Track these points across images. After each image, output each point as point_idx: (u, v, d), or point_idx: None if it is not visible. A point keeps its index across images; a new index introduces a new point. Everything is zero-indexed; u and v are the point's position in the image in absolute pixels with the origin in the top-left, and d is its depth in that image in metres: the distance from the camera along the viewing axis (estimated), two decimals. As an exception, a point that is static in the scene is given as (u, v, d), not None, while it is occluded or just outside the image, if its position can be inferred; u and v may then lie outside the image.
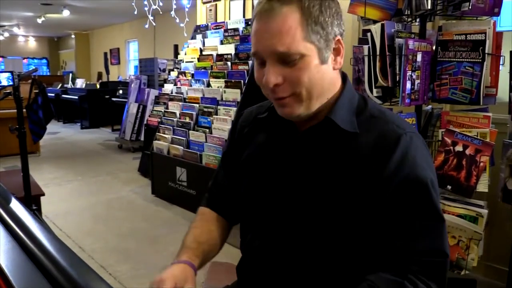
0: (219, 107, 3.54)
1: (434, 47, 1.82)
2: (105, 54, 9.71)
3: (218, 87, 3.67)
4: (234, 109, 3.40)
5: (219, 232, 1.01)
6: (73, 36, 13.43)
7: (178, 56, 4.75)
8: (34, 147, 5.62)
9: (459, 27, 1.73)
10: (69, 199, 4.02)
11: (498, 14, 1.73)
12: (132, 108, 6.20)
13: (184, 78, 4.12)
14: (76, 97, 8.67)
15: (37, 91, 2.77)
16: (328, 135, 0.85)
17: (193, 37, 4.35)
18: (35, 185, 2.87)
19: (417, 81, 1.77)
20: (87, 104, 8.60)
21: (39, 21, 9.75)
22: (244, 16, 4.12)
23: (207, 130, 3.56)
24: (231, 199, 1.04)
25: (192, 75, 4.03)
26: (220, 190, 1.07)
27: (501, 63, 1.70)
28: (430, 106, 1.98)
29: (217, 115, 3.53)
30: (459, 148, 1.71)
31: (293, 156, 0.89)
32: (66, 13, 8.65)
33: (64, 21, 10.28)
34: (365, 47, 1.83)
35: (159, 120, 4.17)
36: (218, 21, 4.42)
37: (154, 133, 4.13)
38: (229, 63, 3.68)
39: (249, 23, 3.71)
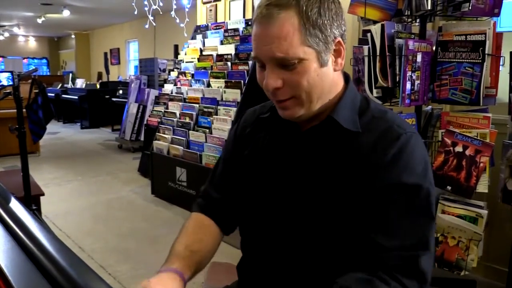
0: (219, 107, 3.54)
1: (434, 48, 1.82)
2: (105, 54, 9.71)
3: (218, 87, 3.67)
4: (234, 109, 3.40)
5: (212, 242, 0.96)
6: (73, 36, 13.43)
7: (178, 56, 4.75)
8: (34, 147, 5.61)
9: (459, 27, 1.73)
10: (69, 199, 4.01)
11: (498, 14, 1.73)
12: (132, 108, 6.20)
13: (184, 78, 4.12)
14: (76, 97, 8.67)
15: (37, 91, 2.77)
16: (331, 134, 0.85)
17: (193, 37, 4.35)
18: (35, 185, 2.87)
19: (417, 82, 1.77)
20: (87, 104, 8.60)
21: (39, 21, 9.76)
22: (244, 16, 4.12)
23: (207, 130, 3.56)
24: (227, 205, 1.00)
25: (192, 75, 4.03)
26: (216, 195, 1.02)
27: (501, 63, 1.70)
28: (430, 107, 1.98)
29: (217, 115, 3.53)
30: (459, 148, 1.71)
31: (295, 155, 0.89)
32: (66, 13, 8.65)
33: (64, 21, 10.28)
34: (365, 48, 1.84)
35: (159, 120, 4.17)
36: (218, 21, 4.42)
37: (154, 133, 4.13)
38: (229, 63, 3.68)
39: (249, 23, 3.71)
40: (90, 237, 3.08)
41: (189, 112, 3.80)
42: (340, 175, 0.82)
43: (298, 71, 0.79)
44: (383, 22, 1.79)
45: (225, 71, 3.66)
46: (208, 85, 3.79)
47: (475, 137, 1.70)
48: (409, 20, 1.96)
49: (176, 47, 6.90)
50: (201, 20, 4.70)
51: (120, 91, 7.69)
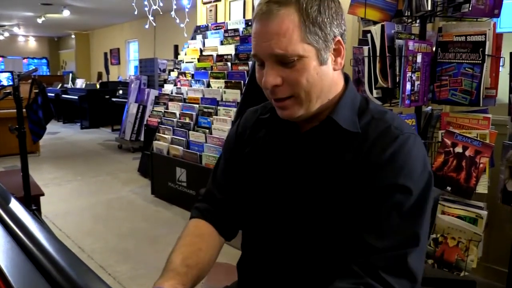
0: (219, 107, 3.54)
1: (434, 48, 1.82)
2: (105, 54, 9.72)
3: (218, 87, 3.67)
4: (234, 109, 3.40)
5: (211, 251, 0.93)
6: (73, 36, 13.43)
7: (178, 56, 4.75)
8: (34, 147, 5.61)
9: (459, 28, 1.74)
10: (68, 199, 4.01)
11: (498, 15, 1.73)
12: (132, 108, 6.20)
13: (184, 78, 4.12)
14: (76, 97, 8.67)
15: (37, 91, 2.77)
16: (330, 135, 0.85)
17: (193, 38, 4.35)
18: (34, 185, 2.87)
19: (417, 82, 1.77)
20: (87, 104, 8.60)
21: (39, 21, 9.76)
22: (244, 17, 4.12)
23: (207, 130, 3.56)
24: (230, 207, 0.99)
25: (192, 76, 4.04)
26: (220, 196, 1.00)
27: (501, 64, 1.71)
28: (430, 107, 1.98)
29: (217, 115, 3.53)
30: (458, 149, 1.71)
31: (295, 157, 0.89)
32: (66, 13, 8.65)
33: (64, 21, 10.28)
34: (365, 48, 1.84)
35: (159, 120, 4.17)
36: (218, 21, 4.42)
37: (154, 133, 4.13)
38: (229, 63, 3.68)
39: (249, 23, 3.71)
40: (89, 237, 3.07)
41: (189, 112, 3.80)
42: (340, 176, 0.82)
43: (298, 68, 0.78)
44: (383, 23, 1.79)
45: (225, 72, 3.66)
46: (208, 85, 3.79)
47: (475, 138, 1.70)
48: (409, 20, 1.96)
49: (176, 47, 6.90)
50: (201, 21, 4.71)
51: (120, 91, 7.69)
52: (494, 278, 2.30)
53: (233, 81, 3.54)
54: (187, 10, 5.46)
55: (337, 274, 0.78)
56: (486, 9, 1.71)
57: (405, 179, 0.77)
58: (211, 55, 3.92)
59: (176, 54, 6.40)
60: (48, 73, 14.38)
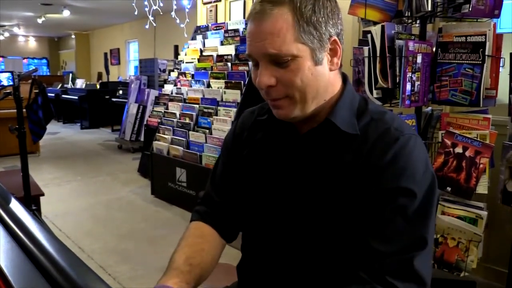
0: (219, 107, 3.54)
1: (434, 49, 1.82)
2: (105, 54, 9.71)
3: (218, 87, 3.68)
4: (234, 109, 3.40)
5: (213, 251, 0.93)
6: (73, 36, 13.43)
7: (178, 56, 4.75)
8: (34, 147, 5.61)
9: (459, 29, 1.74)
10: (68, 200, 4.01)
11: (498, 16, 1.73)
12: (132, 108, 6.20)
13: (184, 78, 4.12)
14: (76, 97, 8.68)
15: (37, 91, 2.77)
16: (329, 137, 0.84)
17: (193, 38, 4.35)
18: (34, 185, 2.87)
19: (417, 83, 1.77)
20: (87, 104, 8.60)
21: (39, 21, 9.76)
22: (244, 17, 4.12)
23: (207, 130, 3.56)
24: (229, 209, 0.99)
25: (192, 76, 4.04)
26: (218, 199, 1.00)
27: (501, 65, 1.71)
28: (430, 108, 1.98)
29: (217, 115, 3.53)
30: (459, 149, 1.72)
31: (294, 159, 0.88)
32: (66, 13, 8.66)
33: (64, 21, 10.29)
34: (365, 49, 1.84)
35: (159, 120, 4.17)
36: (218, 22, 4.42)
37: (154, 133, 4.13)
38: (229, 63, 3.68)
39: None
40: (89, 238, 3.07)
41: (189, 112, 3.80)
42: (339, 178, 0.82)
43: (292, 68, 0.78)
44: (383, 23, 1.79)
45: (225, 72, 3.66)
46: (208, 85, 3.79)
47: (475, 138, 1.70)
48: (409, 21, 1.96)
49: (176, 48, 6.90)
50: (201, 21, 4.71)
51: (120, 92, 7.70)
52: (494, 278, 2.30)
53: (233, 81, 3.54)
54: (187, 10, 5.46)
55: (337, 277, 0.78)
56: (486, 10, 1.71)
57: (408, 182, 0.76)
58: (211, 56, 3.92)
59: (176, 54, 6.40)
60: (48, 73, 14.38)
